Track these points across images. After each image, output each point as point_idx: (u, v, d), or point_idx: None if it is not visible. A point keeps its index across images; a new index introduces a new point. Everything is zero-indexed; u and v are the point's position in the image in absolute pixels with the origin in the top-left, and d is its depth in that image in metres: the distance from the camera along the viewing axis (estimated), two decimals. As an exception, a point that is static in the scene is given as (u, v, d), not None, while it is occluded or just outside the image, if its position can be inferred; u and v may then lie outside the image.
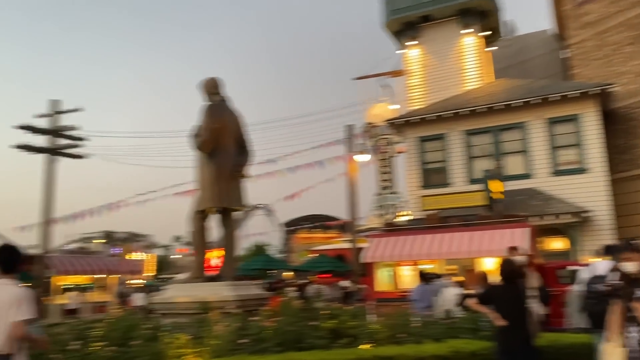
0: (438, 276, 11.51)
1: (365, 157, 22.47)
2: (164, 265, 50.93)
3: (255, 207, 31.90)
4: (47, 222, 20.98)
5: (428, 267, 14.93)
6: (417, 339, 7.09)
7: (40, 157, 21.19)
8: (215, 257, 21.92)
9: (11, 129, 20.73)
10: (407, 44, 25.27)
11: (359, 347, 6.84)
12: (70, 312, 20.77)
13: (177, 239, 65.82)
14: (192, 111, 10.07)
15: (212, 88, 9.39)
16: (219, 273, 8.99)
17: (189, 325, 7.35)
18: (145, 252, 50.63)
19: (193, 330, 7.07)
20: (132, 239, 55.70)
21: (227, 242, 9.15)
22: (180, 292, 8.53)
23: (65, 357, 6.06)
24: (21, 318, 3.71)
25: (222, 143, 9.01)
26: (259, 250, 42.98)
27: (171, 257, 58.99)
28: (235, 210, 9.25)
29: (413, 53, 25.15)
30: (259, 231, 35.52)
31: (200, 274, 8.81)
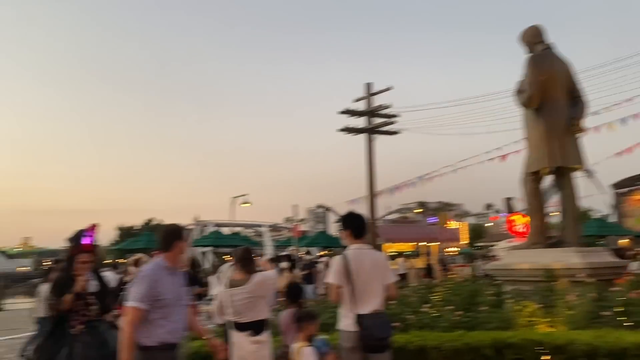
0: None
1: None
2: (477, 233, 50.91)
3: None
4: (372, 195, 23.13)
5: None
6: None
7: (360, 138, 23.50)
8: (523, 222, 20.70)
9: (336, 114, 23.21)
10: None
11: None
12: (400, 277, 22.36)
13: (489, 207, 65.11)
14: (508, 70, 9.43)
15: (533, 37, 8.61)
16: (561, 238, 8.22)
17: (534, 293, 6.94)
18: (457, 221, 51.53)
19: (539, 298, 6.63)
20: (444, 208, 57.50)
21: (567, 205, 8.29)
22: (520, 259, 8.11)
23: (417, 319, 6.35)
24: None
25: (550, 96, 8.20)
26: (582, 215, 38.90)
27: (485, 225, 58.57)
28: (573, 169, 8.30)
29: None
30: (580, 194, 31.96)
31: (540, 240, 8.20)
